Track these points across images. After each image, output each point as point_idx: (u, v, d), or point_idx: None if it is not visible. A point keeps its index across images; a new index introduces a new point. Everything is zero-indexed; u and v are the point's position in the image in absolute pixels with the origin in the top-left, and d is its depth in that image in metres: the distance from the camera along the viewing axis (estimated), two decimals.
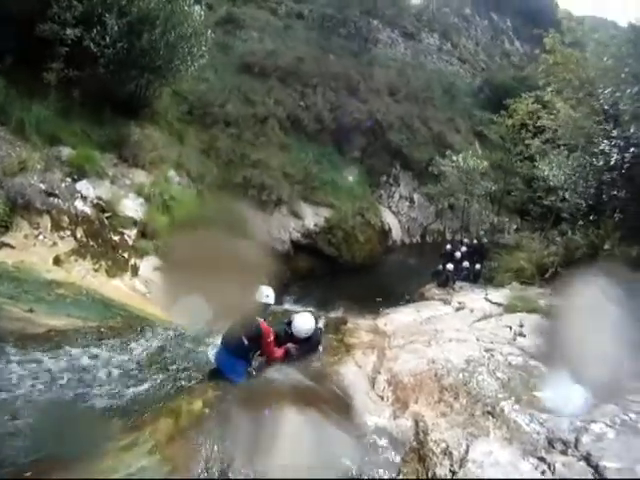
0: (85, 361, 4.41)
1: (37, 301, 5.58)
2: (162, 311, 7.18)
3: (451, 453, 3.38)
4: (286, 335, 4.83)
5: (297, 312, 5.59)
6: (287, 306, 10.26)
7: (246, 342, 4.28)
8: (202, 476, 3.03)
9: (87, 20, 9.79)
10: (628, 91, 8.77)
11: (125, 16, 10.29)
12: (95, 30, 9.86)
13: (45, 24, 9.11)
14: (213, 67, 17.09)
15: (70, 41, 9.44)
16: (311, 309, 9.64)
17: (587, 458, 3.16)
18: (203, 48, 12.09)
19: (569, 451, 3.28)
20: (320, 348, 5.16)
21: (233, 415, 3.61)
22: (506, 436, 3.54)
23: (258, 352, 4.48)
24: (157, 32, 10.62)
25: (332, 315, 8.62)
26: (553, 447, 3.35)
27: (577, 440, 3.36)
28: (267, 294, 4.53)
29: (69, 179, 8.55)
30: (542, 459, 3.22)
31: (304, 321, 4.83)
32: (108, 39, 9.98)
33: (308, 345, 4.88)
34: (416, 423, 3.83)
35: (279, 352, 4.61)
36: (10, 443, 3.15)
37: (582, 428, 3.49)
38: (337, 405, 4.00)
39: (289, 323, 4.93)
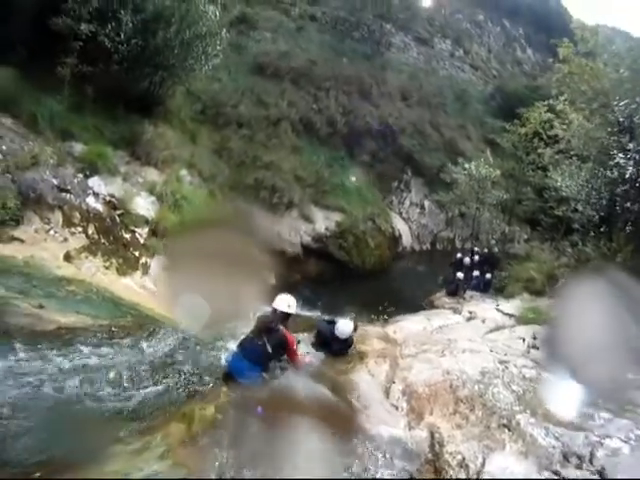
0: (95, 360, 4.33)
1: (47, 297, 5.50)
2: (168, 310, 7.14)
3: (467, 466, 3.35)
4: (330, 334, 5.46)
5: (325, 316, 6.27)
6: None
7: (270, 350, 4.39)
8: None
9: (102, 16, 9.80)
10: None
11: (140, 13, 10.30)
12: (110, 26, 9.86)
13: (59, 18, 9.10)
14: (227, 67, 17.13)
15: (84, 36, 9.43)
16: (319, 313, 9.60)
17: (601, 473, 3.16)
18: (217, 48, 12.14)
19: (584, 465, 3.26)
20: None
21: (246, 422, 3.54)
22: (522, 450, 3.50)
23: (279, 360, 4.62)
24: (172, 30, 10.67)
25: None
26: (568, 461, 3.32)
27: (592, 455, 3.34)
28: (289, 304, 4.85)
29: (81, 175, 8.50)
30: (557, 473, 3.21)
31: (346, 326, 5.45)
32: (123, 35, 9.99)
33: (344, 345, 5.53)
34: (431, 434, 3.78)
35: (303, 361, 4.96)
36: (17, 442, 3.08)
37: (597, 443, 3.45)
38: (351, 415, 3.94)
39: (332, 323, 5.58)
